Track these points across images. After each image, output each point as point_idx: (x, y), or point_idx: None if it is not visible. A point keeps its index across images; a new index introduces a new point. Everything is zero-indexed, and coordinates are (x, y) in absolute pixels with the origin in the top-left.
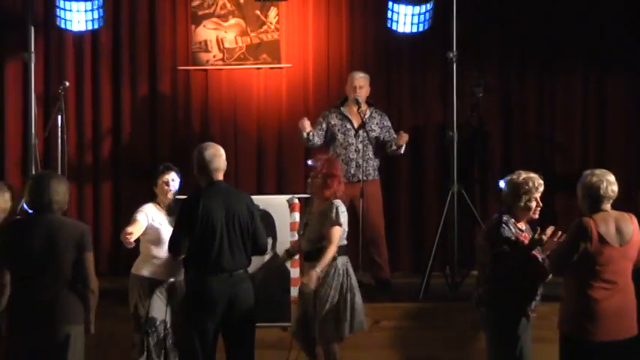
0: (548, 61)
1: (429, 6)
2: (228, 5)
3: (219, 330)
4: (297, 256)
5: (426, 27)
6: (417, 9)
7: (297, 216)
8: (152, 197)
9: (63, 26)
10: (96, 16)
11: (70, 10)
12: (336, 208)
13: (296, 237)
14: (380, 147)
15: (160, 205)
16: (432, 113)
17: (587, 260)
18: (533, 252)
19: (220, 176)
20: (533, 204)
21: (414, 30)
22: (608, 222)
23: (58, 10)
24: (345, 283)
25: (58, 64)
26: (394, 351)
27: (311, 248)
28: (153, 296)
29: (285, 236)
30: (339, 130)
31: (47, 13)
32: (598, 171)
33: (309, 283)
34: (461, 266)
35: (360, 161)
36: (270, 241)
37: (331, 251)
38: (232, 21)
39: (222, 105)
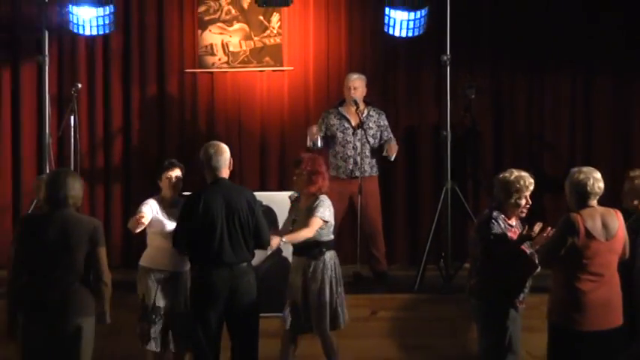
0: (538, 64)
1: (423, 12)
2: (233, 11)
3: (222, 320)
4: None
5: (420, 32)
6: (412, 15)
7: None
8: (158, 191)
9: (76, 31)
10: (107, 21)
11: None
12: (321, 202)
13: None
14: (377, 145)
15: (164, 198)
16: (426, 113)
17: (575, 254)
18: (522, 246)
19: (223, 174)
20: (523, 201)
21: (410, 34)
22: (595, 217)
23: (71, 15)
24: (334, 276)
25: (71, 67)
26: (391, 340)
27: (300, 243)
28: (158, 286)
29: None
30: (337, 129)
31: (61, 18)
32: (585, 168)
33: (271, 244)
34: (454, 259)
35: (358, 159)
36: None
37: (303, 234)
38: (237, 26)
39: (227, 106)
